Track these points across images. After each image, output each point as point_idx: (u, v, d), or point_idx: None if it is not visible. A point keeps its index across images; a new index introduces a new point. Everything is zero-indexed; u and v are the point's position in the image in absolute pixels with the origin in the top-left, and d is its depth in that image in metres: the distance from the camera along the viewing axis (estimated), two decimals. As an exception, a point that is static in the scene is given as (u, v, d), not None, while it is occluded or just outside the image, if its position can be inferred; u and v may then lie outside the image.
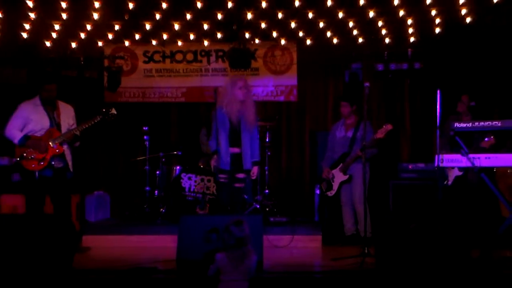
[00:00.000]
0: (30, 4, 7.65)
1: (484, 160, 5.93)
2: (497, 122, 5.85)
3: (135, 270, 5.27)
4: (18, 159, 6.33)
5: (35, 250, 4.90)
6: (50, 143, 6.35)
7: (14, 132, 6.36)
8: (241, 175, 6.67)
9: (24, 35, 8.36)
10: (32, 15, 7.91)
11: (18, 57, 9.05)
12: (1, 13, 7.82)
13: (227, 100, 6.58)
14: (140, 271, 5.25)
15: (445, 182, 6.93)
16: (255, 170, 6.75)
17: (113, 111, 6.59)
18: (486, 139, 6.56)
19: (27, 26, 8.21)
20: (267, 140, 8.60)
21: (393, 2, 7.67)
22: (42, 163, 6.32)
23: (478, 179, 6.23)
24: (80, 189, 8.09)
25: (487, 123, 5.89)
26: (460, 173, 6.88)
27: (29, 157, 6.31)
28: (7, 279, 4.77)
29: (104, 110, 6.58)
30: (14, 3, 7.70)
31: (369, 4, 7.76)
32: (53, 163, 6.38)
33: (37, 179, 6.33)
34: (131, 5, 7.79)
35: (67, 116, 6.60)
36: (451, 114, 7.02)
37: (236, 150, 6.60)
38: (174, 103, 9.57)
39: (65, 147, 6.48)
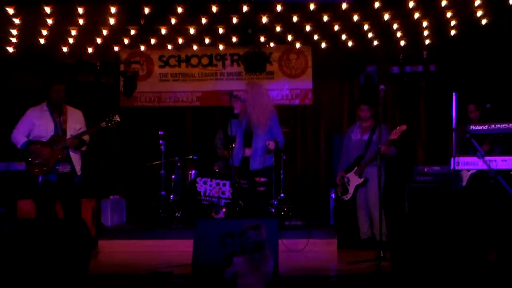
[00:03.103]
0: (48, 10, 7.72)
1: (500, 162, 5.87)
2: (513, 125, 5.79)
3: (151, 275, 5.29)
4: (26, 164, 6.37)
5: (51, 255, 4.94)
6: (54, 148, 6.34)
7: (19, 137, 6.39)
8: (262, 179, 6.72)
9: (42, 40, 8.45)
10: (49, 21, 7.99)
11: (35, 63, 9.14)
12: (19, 19, 7.90)
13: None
14: (156, 276, 5.26)
15: (459, 184, 6.87)
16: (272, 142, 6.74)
17: (117, 117, 6.55)
18: None
19: (44, 32, 8.30)
20: (282, 143, 8.58)
21: (408, 5, 7.65)
22: (44, 168, 6.33)
23: (495, 181, 6.17)
24: (96, 193, 8.15)
25: (503, 125, 5.83)
26: (475, 171, 6.80)
27: (34, 162, 6.33)
28: (24, 284, 4.81)
29: (108, 117, 6.54)
30: (32, 9, 7.77)
31: (384, 7, 7.74)
32: (57, 168, 6.37)
33: (40, 184, 6.34)
34: (146, 10, 7.85)
35: (74, 122, 6.57)
36: (465, 121, 6.93)
37: (247, 151, 6.73)
38: (190, 107, 9.60)
39: (70, 151, 6.45)
